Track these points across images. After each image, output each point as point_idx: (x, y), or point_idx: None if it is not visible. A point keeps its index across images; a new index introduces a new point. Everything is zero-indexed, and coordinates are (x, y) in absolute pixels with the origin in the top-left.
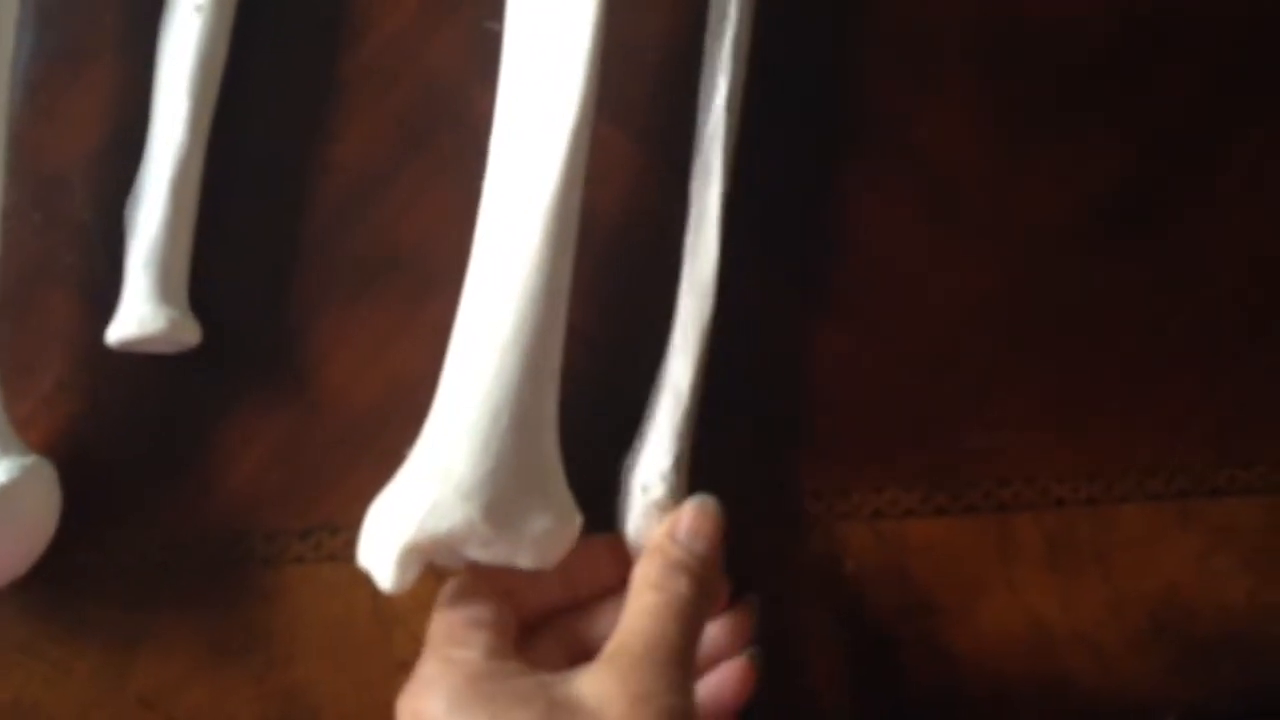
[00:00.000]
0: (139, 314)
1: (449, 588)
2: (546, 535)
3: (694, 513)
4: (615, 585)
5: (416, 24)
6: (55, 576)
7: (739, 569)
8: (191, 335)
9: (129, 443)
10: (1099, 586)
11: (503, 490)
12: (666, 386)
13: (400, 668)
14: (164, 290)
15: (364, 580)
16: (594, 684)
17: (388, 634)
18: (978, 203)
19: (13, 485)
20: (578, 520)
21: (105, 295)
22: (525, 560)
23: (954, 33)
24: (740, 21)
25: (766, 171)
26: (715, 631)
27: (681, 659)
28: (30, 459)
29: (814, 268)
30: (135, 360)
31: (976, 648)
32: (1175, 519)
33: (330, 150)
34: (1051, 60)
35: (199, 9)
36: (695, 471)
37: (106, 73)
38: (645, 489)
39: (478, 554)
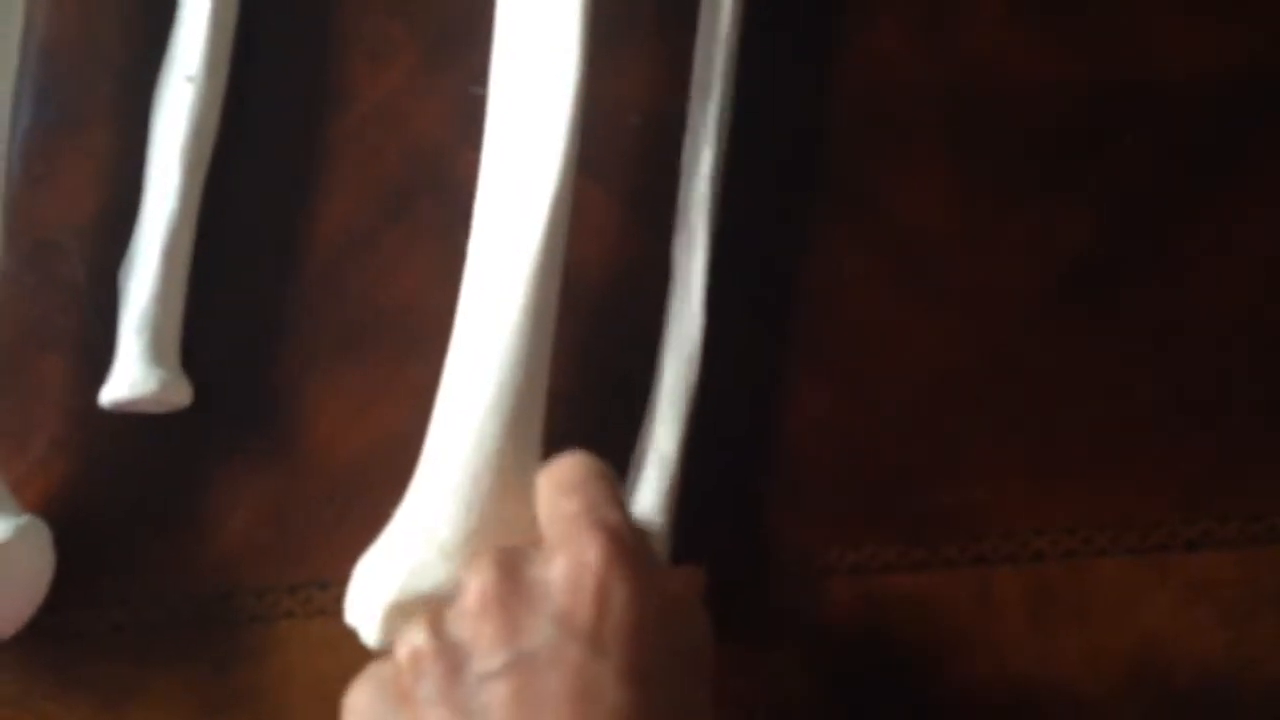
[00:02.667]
0: (131, 376)
1: None
2: None
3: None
4: None
5: (402, 90)
6: (48, 634)
7: (717, 622)
8: (182, 396)
9: (121, 502)
10: (1077, 639)
11: (485, 550)
12: (651, 454)
13: None
14: (156, 353)
15: (354, 635)
16: None
17: None
18: (950, 268)
19: (7, 545)
20: None
21: (98, 358)
22: None
23: (927, 102)
24: (723, 94)
25: (747, 234)
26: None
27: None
28: (24, 519)
29: (792, 327)
30: (127, 421)
31: (956, 701)
32: (1153, 573)
33: (317, 213)
34: (1020, 129)
35: (191, 79)
36: (672, 525)
37: (101, 140)
38: None
39: None
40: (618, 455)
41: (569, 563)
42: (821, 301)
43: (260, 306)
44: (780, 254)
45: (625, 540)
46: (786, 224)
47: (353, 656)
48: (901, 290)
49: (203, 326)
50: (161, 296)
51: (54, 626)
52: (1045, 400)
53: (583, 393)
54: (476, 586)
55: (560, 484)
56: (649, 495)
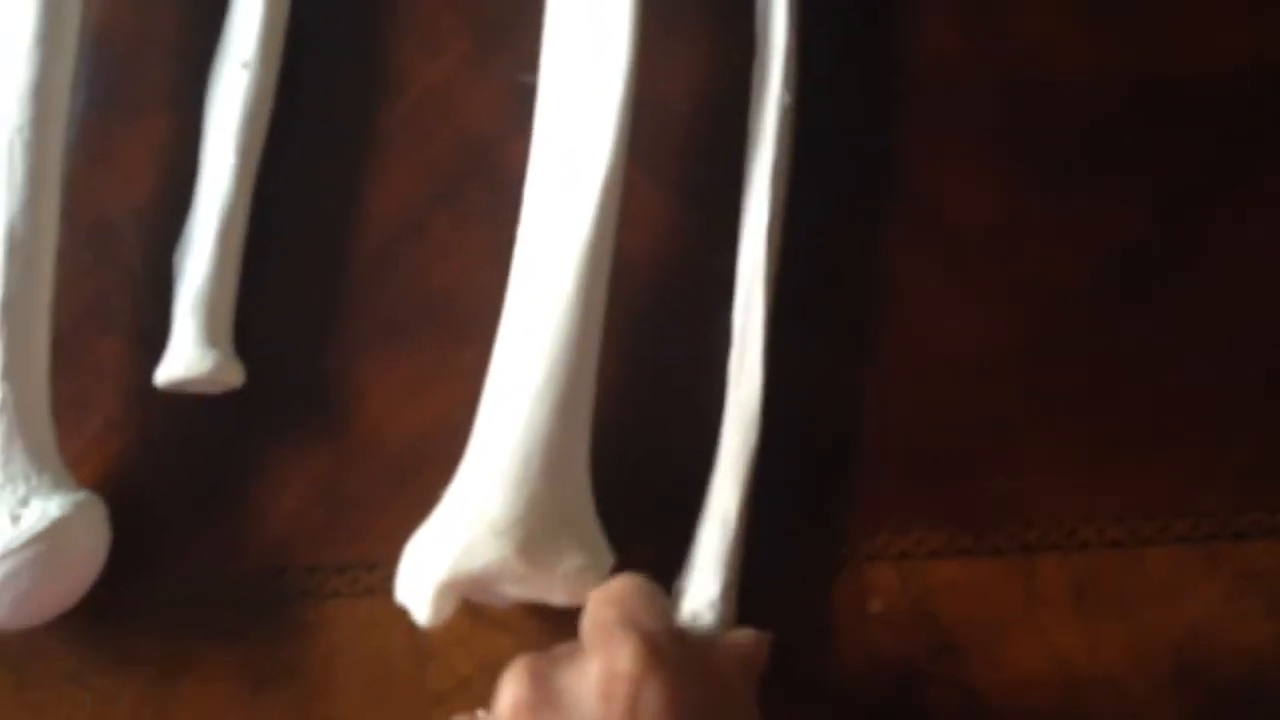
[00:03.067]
0: (186, 356)
1: None
2: (579, 573)
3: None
4: None
5: (453, 78)
6: (102, 609)
7: (767, 606)
8: (235, 377)
9: (174, 480)
10: (1124, 629)
11: (535, 530)
12: (713, 514)
13: (436, 700)
14: (210, 334)
15: (401, 615)
16: None
17: (423, 668)
18: (998, 258)
19: (65, 520)
20: (609, 559)
21: (153, 339)
22: (559, 597)
23: (976, 94)
24: (778, 148)
25: (800, 227)
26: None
27: None
28: (81, 495)
29: (846, 321)
30: (181, 401)
31: (1001, 688)
32: (1200, 562)
33: (368, 199)
34: (1069, 121)
35: (246, 65)
36: (733, 586)
37: (157, 125)
38: (695, 617)
39: (512, 590)
40: (665, 442)
41: (602, 671)
42: (872, 291)
43: (312, 290)
44: (833, 246)
45: (661, 648)
46: (838, 215)
47: (398, 636)
48: (950, 280)
49: (255, 310)
50: (216, 278)
51: (108, 602)
52: (1093, 390)
53: (630, 380)
54: (509, 696)
55: (605, 595)
56: (710, 556)
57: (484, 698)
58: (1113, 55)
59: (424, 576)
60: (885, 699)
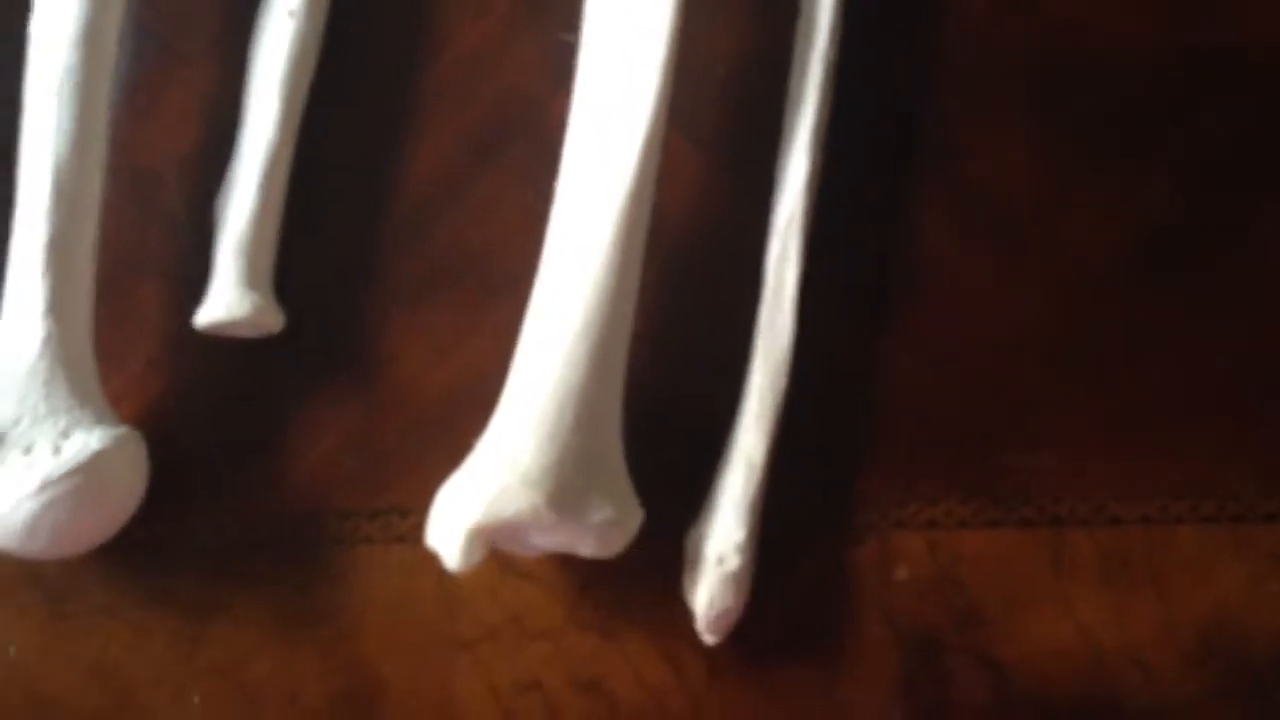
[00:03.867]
0: (227, 299)
1: None
2: (608, 525)
3: None
4: None
5: (497, 36)
6: (138, 545)
7: (788, 568)
8: (275, 321)
9: (212, 423)
10: (1151, 605)
11: (567, 480)
12: (738, 458)
13: (463, 648)
14: (251, 277)
15: (430, 562)
16: None
17: (452, 615)
18: (1033, 232)
19: (105, 453)
20: (639, 514)
21: (194, 285)
22: (587, 548)
23: (1014, 66)
24: (820, 103)
25: (835, 199)
26: None
27: None
28: (122, 430)
29: (880, 290)
30: (221, 345)
31: (1025, 661)
32: (1229, 543)
33: (409, 155)
34: (1106, 96)
35: (292, 14)
36: (754, 532)
37: (202, 74)
38: (721, 560)
39: (541, 540)
40: (694, 399)
41: None
42: (911, 264)
43: (351, 243)
44: (866, 217)
45: None
46: (872, 186)
47: (427, 584)
48: (984, 254)
49: (295, 259)
50: (258, 223)
51: (144, 539)
52: (1126, 368)
53: (663, 335)
54: None
55: None
56: (732, 501)
57: (510, 647)
58: (1153, 28)
59: (455, 522)
60: (906, 666)
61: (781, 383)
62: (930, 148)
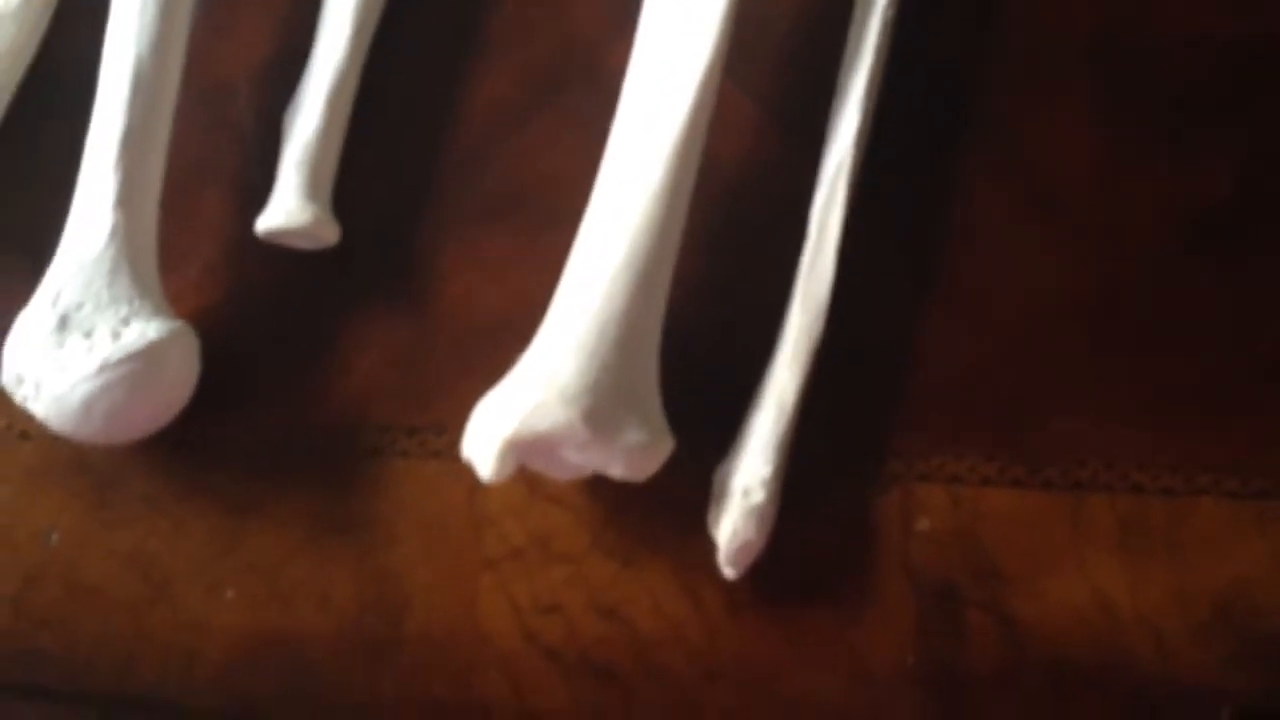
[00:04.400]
0: (288, 206)
1: None
2: (640, 449)
3: None
4: None
5: None
6: (183, 442)
7: (817, 514)
8: (331, 233)
9: (263, 329)
10: (1167, 574)
11: (603, 400)
12: (771, 397)
13: (487, 565)
14: (312, 189)
15: (463, 480)
16: None
17: (479, 533)
18: (1082, 208)
19: (161, 343)
20: (670, 442)
21: (256, 195)
22: (617, 470)
23: (1073, 47)
24: (875, 59)
25: (887, 165)
26: None
27: None
28: (178, 323)
29: (923, 247)
30: (277, 255)
31: (1039, 619)
32: (1251, 519)
33: (472, 91)
34: (1165, 79)
35: None
36: (783, 470)
37: None
38: (747, 493)
39: (574, 457)
40: (735, 337)
41: None
42: (952, 229)
43: (410, 170)
44: (917, 183)
45: None
46: (922, 146)
47: (458, 500)
48: (1032, 223)
49: (355, 180)
50: (322, 137)
51: (190, 436)
52: (1162, 343)
53: (707, 277)
54: None
55: None
56: (761, 439)
57: (534, 568)
58: (1212, 14)
59: (491, 433)
60: (922, 615)
61: (818, 327)
62: (984, 115)
